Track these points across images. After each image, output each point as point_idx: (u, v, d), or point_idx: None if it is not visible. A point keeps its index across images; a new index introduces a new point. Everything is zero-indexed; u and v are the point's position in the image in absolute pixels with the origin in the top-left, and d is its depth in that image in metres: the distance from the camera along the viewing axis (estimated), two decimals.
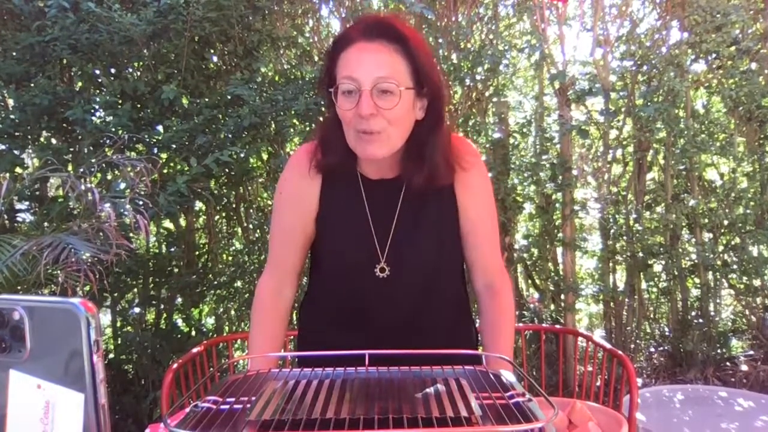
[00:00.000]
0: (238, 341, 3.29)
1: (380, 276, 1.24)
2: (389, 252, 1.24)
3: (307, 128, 3.13)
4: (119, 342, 3.18)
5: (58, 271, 1.94)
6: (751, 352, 3.99)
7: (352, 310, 1.28)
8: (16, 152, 2.92)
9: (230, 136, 2.98)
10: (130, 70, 3.23)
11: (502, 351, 1.18)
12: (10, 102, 3.02)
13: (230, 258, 3.65)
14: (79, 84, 3.18)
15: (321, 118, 3.04)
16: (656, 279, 4.02)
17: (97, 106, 2.95)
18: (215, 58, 3.43)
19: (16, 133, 2.96)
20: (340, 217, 1.27)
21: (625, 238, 3.80)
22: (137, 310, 3.30)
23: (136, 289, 3.25)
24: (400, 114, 1.13)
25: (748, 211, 3.79)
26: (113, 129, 2.81)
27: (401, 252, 1.25)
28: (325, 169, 1.26)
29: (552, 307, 3.82)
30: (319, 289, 1.36)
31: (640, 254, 3.70)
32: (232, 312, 3.57)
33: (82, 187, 2.26)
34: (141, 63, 3.18)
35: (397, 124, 1.14)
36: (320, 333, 1.35)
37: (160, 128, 3.09)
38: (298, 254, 1.32)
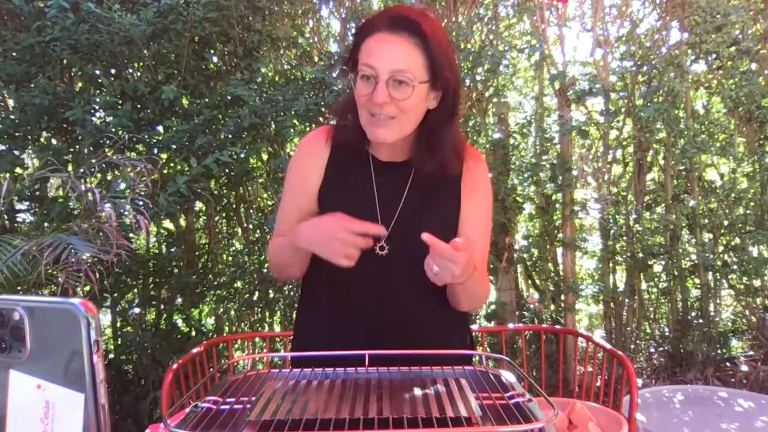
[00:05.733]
0: (238, 341, 3.30)
1: (380, 254, 1.26)
2: (392, 232, 1.26)
3: (307, 128, 3.13)
4: (119, 342, 3.18)
5: (59, 272, 1.94)
6: (751, 353, 3.99)
7: (351, 286, 1.28)
8: (16, 152, 2.92)
9: (230, 136, 2.99)
10: (130, 70, 3.23)
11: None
12: (10, 102, 3.02)
13: (230, 258, 3.65)
14: (79, 84, 3.18)
15: (321, 119, 3.04)
16: (656, 279, 4.01)
17: (97, 107, 2.95)
18: (215, 59, 3.43)
19: (16, 134, 2.96)
20: (345, 191, 1.30)
21: (625, 238, 3.80)
22: (137, 310, 3.29)
23: (136, 290, 3.25)
24: (412, 104, 1.18)
25: (748, 212, 3.79)
26: (113, 129, 2.81)
27: (404, 232, 1.26)
28: (337, 145, 1.31)
29: (552, 307, 3.82)
30: (317, 272, 1.34)
31: (640, 255, 3.70)
32: (232, 312, 3.57)
33: (83, 188, 2.26)
34: (141, 63, 3.18)
35: (409, 113, 1.19)
36: (319, 327, 1.34)
37: (160, 128, 3.10)
38: None
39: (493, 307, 3.63)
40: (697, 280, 3.92)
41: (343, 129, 1.31)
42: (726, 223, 3.78)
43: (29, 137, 3.01)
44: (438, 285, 1.15)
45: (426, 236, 1.05)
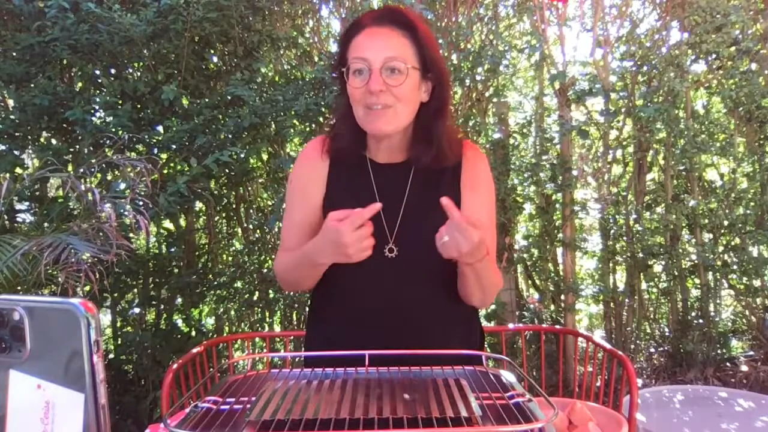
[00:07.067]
0: (238, 341, 3.30)
1: (389, 256, 1.26)
2: (398, 233, 1.27)
3: (307, 128, 3.13)
4: (119, 342, 3.18)
5: (59, 272, 1.94)
6: (751, 353, 3.99)
7: (363, 291, 1.28)
8: (16, 152, 2.92)
9: (230, 136, 2.99)
10: (130, 70, 3.23)
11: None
12: (10, 102, 3.02)
13: (230, 258, 3.65)
14: (79, 84, 3.18)
15: (321, 119, 3.04)
16: (656, 279, 4.01)
17: (97, 107, 2.95)
18: (215, 59, 3.43)
19: (16, 134, 2.96)
20: (347, 198, 1.29)
21: (625, 238, 3.80)
22: (137, 310, 3.29)
23: (136, 290, 3.25)
24: (406, 91, 1.20)
25: (748, 212, 3.78)
26: (113, 129, 2.81)
27: (410, 233, 1.27)
28: (334, 154, 1.32)
29: (552, 307, 3.82)
30: (328, 279, 1.33)
31: (640, 255, 3.70)
32: (232, 312, 3.56)
33: (82, 188, 2.26)
34: (141, 63, 3.18)
35: (404, 101, 1.21)
36: (332, 332, 1.33)
37: (160, 128, 3.10)
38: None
39: (493, 307, 3.63)
40: (697, 280, 3.92)
41: (338, 137, 1.32)
42: (726, 223, 3.78)
43: (29, 137, 3.01)
44: (444, 257, 1.13)
45: (444, 200, 1.06)
